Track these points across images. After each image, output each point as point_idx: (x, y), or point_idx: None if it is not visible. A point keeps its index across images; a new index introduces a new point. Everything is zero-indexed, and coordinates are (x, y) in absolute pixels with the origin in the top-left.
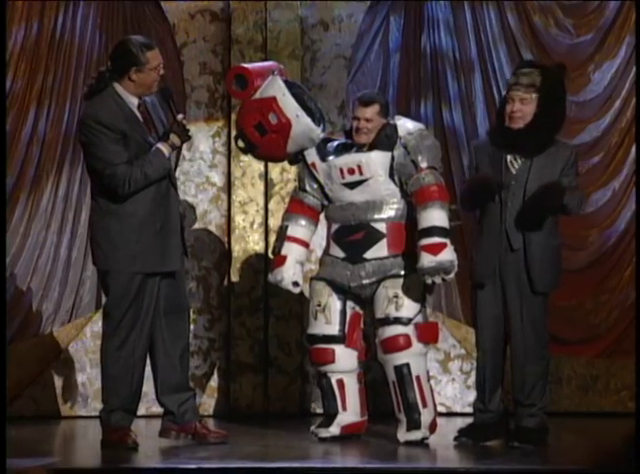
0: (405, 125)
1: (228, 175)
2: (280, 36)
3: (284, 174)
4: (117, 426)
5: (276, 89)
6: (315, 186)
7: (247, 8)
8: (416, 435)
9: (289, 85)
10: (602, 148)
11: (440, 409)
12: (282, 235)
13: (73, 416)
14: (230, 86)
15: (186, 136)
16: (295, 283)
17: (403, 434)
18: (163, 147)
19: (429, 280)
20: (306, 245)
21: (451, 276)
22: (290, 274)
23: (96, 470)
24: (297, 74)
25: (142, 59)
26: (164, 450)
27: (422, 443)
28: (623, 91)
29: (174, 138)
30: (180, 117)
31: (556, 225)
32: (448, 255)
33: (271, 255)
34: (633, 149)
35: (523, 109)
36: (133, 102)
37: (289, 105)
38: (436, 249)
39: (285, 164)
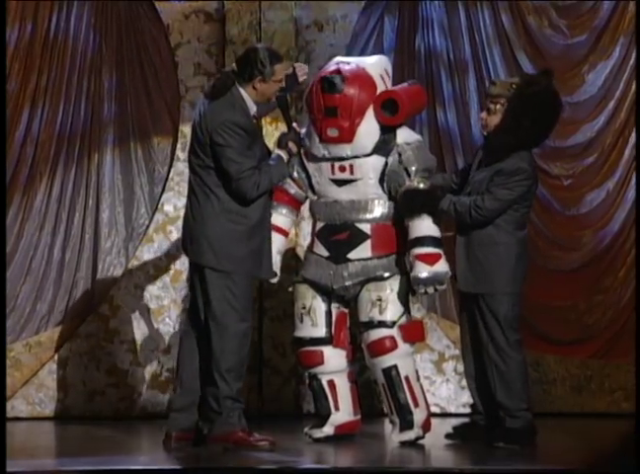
0: (403, 134)
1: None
2: (275, 36)
3: None
4: (243, 426)
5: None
6: (303, 175)
7: (241, 8)
8: (409, 435)
9: None
10: (597, 149)
11: (435, 409)
12: None
13: (66, 417)
14: (379, 112)
15: (300, 144)
16: (274, 274)
17: (397, 435)
18: (282, 154)
19: (422, 290)
20: (286, 234)
21: (444, 286)
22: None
23: (89, 471)
24: None
25: (269, 71)
26: (155, 452)
27: (416, 443)
28: (617, 92)
29: (291, 145)
30: (295, 125)
31: (501, 225)
32: (443, 266)
33: None
34: (627, 150)
35: (489, 118)
36: (252, 108)
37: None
38: (431, 259)
39: None
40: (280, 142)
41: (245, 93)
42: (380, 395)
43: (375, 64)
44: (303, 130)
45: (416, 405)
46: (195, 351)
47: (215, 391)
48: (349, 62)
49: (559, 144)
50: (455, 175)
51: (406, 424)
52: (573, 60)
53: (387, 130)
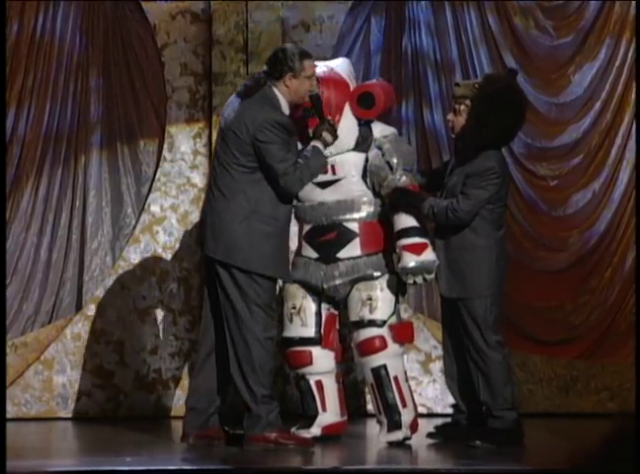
0: (379, 128)
1: (209, 176)
2: (262, 36)
3: None
4: (278, 425)
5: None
6: None
7: (228, 9)
8: (397, 436)
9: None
10: (582, 150)
11: (421, 410)
12: None
13: (53, 417)
14: (355, 106)
15: (335, 135)
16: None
17: (385, 435)
18: (318, 144)
19: (411, 280)
20: None
21: (432, 275)
22: None
23: (76, 472)
24: None
25: (298, 66)
26: (143, 452)
27: (403, 444)
28: (603, 93)
29: (326, 136)
30: (330, 117)
31: (479, 227)
32: (430, 255)
33: None
34: (613, 151)
35: (456, 119)
36: (286, 108)
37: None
38: (418, 249)
39: None
40: (315, 134)
41: (278, 92)
42: (368, 395)
43: (342, 65)
44: None
45: (404, 405)
46: (213, 351)
47: (250, 393)
48: (316, 65)
49: (545, 145)
50: (421, 174)
51: (394, 424)
52: (559, 61)
53: (363, 126)
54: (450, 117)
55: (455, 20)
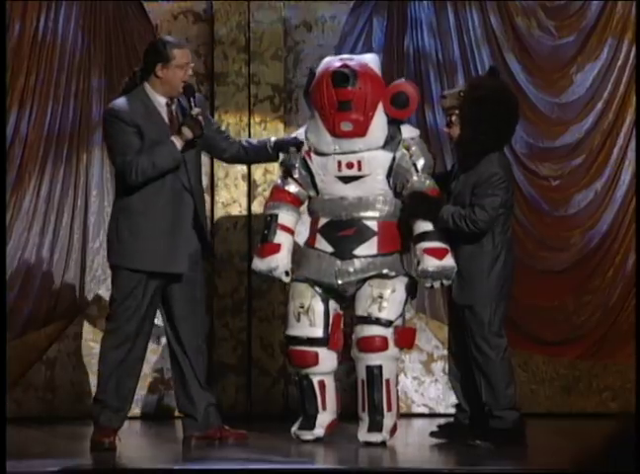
0: (407, 129)
1: (211, 176)
2: (264, 37)
3: (267, 175)
4: (103, 425)
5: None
6: (305, 174)
7: (230, 9)
8: (377, 438)
9: None
10: (585, 150)
11: (423, 410)
12: (274, 223)
13: (54, 417)
14: (389, 105)
15: (198, 129)
16: (287, 273)
17: (364, 435)
18: (174, 139)
19: (429, 284)
20: (293, 233)
21: (450, 281)
22: (285, 262)
23: (78, 472)
24: (280, 75)
25: (168, 55)
26: (144, 452)
27: (382, 445)
28: (605, 93)
29: (185, 130)
30: (195, 111)
31: (490, 233)
32: (451, 261)
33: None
34: (615, 151)
35: (451, 131)
36: (160, 101)
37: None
38: (439, 253)
39: (269, 165)
40: (178, 129)
41: (150, 87)
42: (358, 391)
43: (373, 61)
44: (301, 130)
45: (389, 409)
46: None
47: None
48: (351, 58)
49: (547, 145)
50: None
51: (375, 425)
52: (561, 61)
53: (391, 125)
54: (446, 129)
55: (457, 20)
